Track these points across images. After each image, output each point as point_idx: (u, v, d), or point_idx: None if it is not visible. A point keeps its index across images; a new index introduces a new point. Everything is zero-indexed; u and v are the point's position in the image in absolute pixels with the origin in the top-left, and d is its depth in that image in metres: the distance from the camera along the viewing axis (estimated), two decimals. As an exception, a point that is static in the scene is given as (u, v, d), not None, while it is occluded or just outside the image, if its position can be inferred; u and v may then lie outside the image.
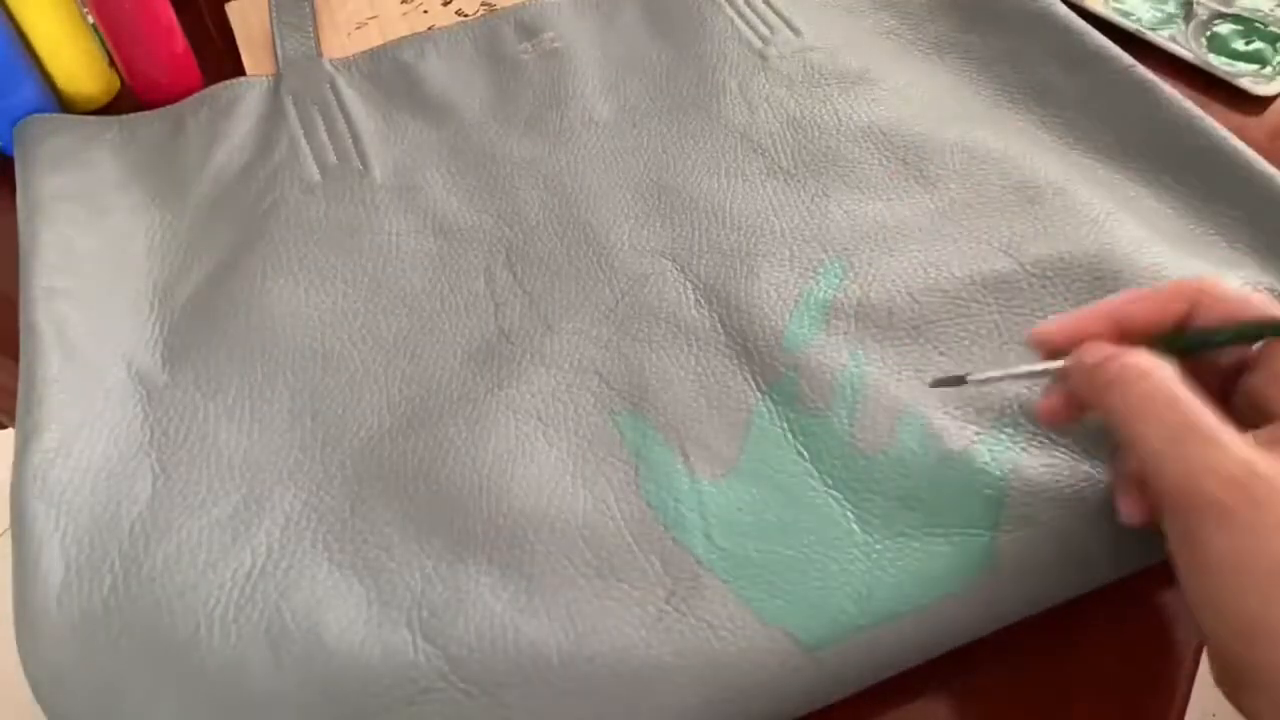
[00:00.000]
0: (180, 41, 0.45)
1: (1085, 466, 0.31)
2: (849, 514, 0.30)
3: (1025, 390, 0.33)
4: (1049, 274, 0.36)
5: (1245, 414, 0.27)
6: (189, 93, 0.44)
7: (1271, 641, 0.23)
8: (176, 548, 0.30)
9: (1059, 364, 0.29)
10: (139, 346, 0.36)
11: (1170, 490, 0.25)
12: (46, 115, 0.43)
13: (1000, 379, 0.31)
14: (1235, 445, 0.24)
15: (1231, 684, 0.24)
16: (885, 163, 0.40)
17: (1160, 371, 0.26)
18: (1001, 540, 0.30)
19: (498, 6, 0.49)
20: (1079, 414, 0.30)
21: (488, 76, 0.45)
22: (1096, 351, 0.28)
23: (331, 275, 0.38)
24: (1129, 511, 0.29)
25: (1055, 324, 0.29)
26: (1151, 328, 0.28)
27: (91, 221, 0.39)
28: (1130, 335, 0.28)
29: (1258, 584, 0.23)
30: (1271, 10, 0.49)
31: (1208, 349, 0.28)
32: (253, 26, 0.49)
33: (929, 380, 0.33)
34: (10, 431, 0.34)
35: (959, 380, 0.31)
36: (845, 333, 0.35)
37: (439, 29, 0.47)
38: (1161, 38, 0.48)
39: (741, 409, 0.33)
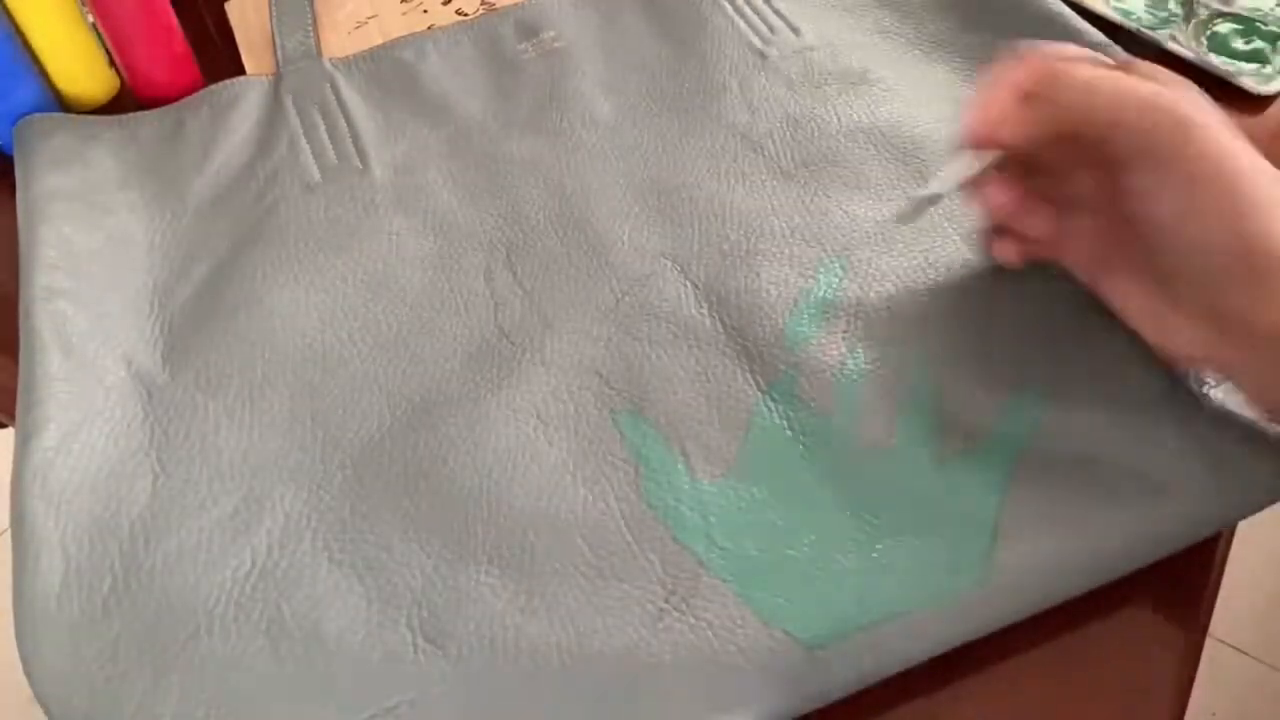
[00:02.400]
0: (180, 41, 0.45)
1: (1084, 467, 0.31)
2: (849, 513, 0.30)
3: (1023, 389, 0.33)
4: (1049, 273, 0.36)
5: None
6: (189, 92, 0.44)
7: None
8: (176, 547, 0.30)
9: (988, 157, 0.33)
10: (139, 345, 0.36)
11: (1137, 126, 0.29)
12: (46, 115, 0.43)
13: (949, 181, 0.34)
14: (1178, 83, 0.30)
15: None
16: (885, 162, 0.40)
17: (1088, 66, 0.31)
18: (1001, 540, 0.30)
19: (498, 6, 0.49)
20: (1020, 191, 0.33)
21: (488, 76, 0.45)
22: (1017, 108, 0.31)
23: (331, 275, 0.38)
24: (1004, 253, 0.34)
25: (976, 117, 0.32)
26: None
27: (91, 221, 0.39)
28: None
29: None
30: (1272, 9, 0.49)
31: None
32: (253, 26, 0.49)
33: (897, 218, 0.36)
34: (10, 431, 0.34)
35: (925, 203, 0.35)
36: (845, 332, 0.35)
37: (439, 28, 0.47)
38: (1161, 37, 0.48)
39: (741, 408, 0.33)
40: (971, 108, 0.32)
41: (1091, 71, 0.30)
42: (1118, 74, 0.30)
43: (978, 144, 0.32)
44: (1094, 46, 0.44)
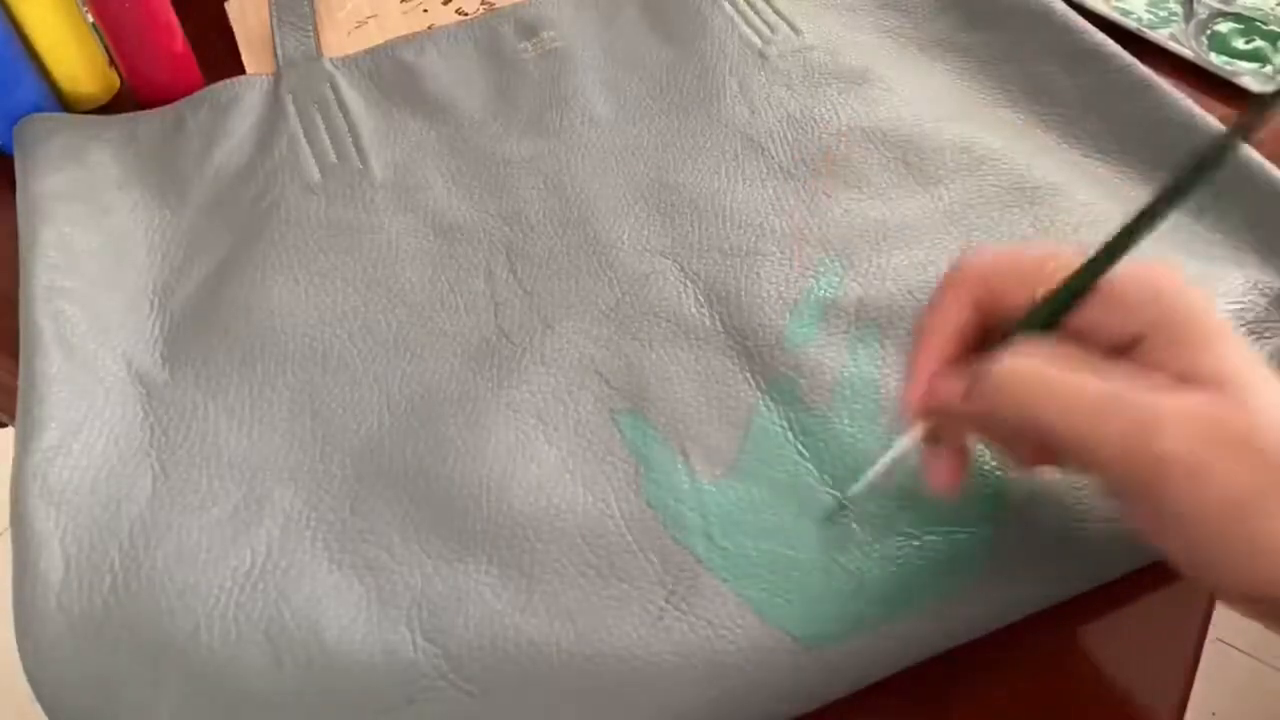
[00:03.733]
0: (180, 41, 0.45)
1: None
2: (849, 513, 0.30)
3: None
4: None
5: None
6: (189, 92, 0.44)
7: (1268, 562, 0.23)
8: (176, 547, 0.30)
9: (918, 430, 0.28)
10: (139, 345, 0.36)
11: (1116, 465, 0.24)
12: (46, 115, 0.43)
13: (882, 474, 0.29)
14: (1163, 395, 0.23)
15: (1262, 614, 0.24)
16: (885, 162, 0.40)
17: (1033, 359, 0.25)
18: (1001, 539, 0.30)
19: (498, 5, 0.49)
20: (966, 463, 0.28)
21: (488, 75, 0.45)
22: (954, 385, 0.26)
23: (331, 274, 0.38)
24: (940, 480, 0.28)
25: (909, 388, 0.28)
26: (969, 336, 0.27)
27: (92, 220, 0.39)
28: (960, 349, 0.27)
29: (1234, 515, 0.23)
30: (1272, 9, 0.49)
31: (1050, 323, 0.26)
32: (252, 26, 0.49)
33: (824, 518, 0.30)
34: (10, 430, 0.34)
35: (842, 507, 0.30)
36: (845, 332, 0.35)
37: (439, 28, 0.47)
38: (1162, 36, 0.48)
39: (742, 408, 0.33)
40: (905, 379, 0.28)
41: (1032, 366, 0.25)
42: (1068, 367, 0.24)
43: (917, 417, 0.28)
44: (1094, 46, 0.44)
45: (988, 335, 0.27)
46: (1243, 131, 0.23)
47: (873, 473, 0.29)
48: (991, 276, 0.27)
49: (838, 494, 0.31)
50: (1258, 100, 0.23)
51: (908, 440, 0.28)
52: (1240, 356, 0.24)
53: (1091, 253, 0.25)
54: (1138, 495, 0.24)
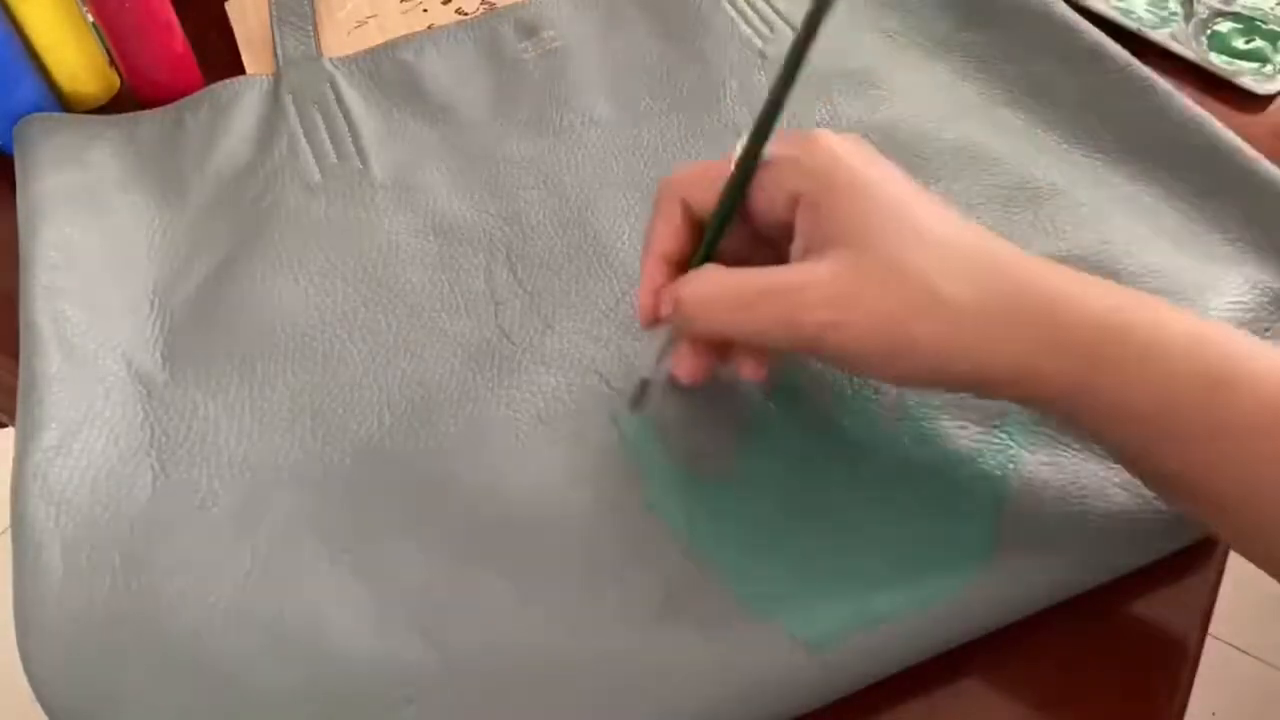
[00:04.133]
0: (180, 40, 0.45)
1: (1085, 464, 0.31)
2: (849, 513, 0.30)
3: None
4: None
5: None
6: (189, 92, 0.44)
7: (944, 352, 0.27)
8: (176, 547, 0.30)
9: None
10: (139, 345, 0.36)
11: (790, 348, 0.29)
12: (47, 114, 0.43)
13: (657, 370, 0.32)
14: (796, 276, 0.28)
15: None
16: (885, 162, 0.40)
17: (705, 277, 0.29)
18: (1002, 539, 0.30)
19: (498, 5, 0.49)
20: (713, 354, 0.32)
21: (488, 75, 0.45)
22: (664, 304, 0.30)
23: (332, 274, 0.38)
24: (680, 370, 0.32)
25: (639, 294, 0.31)
26: (685, 241, 0.31)
27: (92, 220, 0.39)
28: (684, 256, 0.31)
29: (900, 335, 0.27)
30: (1272, 9, 0.49)
31: (724, 228, 0.30)
32: (252, 25, 0.49)
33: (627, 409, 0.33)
34: (10, 430, 0.34)
35: (641, 391, 0.33)
36: (845, 332, 0.35)
37: (439, 28, 0.47)
38: (1162, 36, 0.48)
39: (742, 409, 0.33)
40: (641, 293, 0.31)
41: (703, 285, 0.29)
42: (733, 276, 0.29)
43: (652, 325, 0.31)
44: (1094, 46, 0.44)
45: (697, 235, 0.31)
46: None
47: (654, 361, 0.32)
48: (689, 185, 0.31)
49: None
50: None
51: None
52: (879, 210, 0.28)
53: (749, 131, 0.29)
54: (829, 364, 0.30)
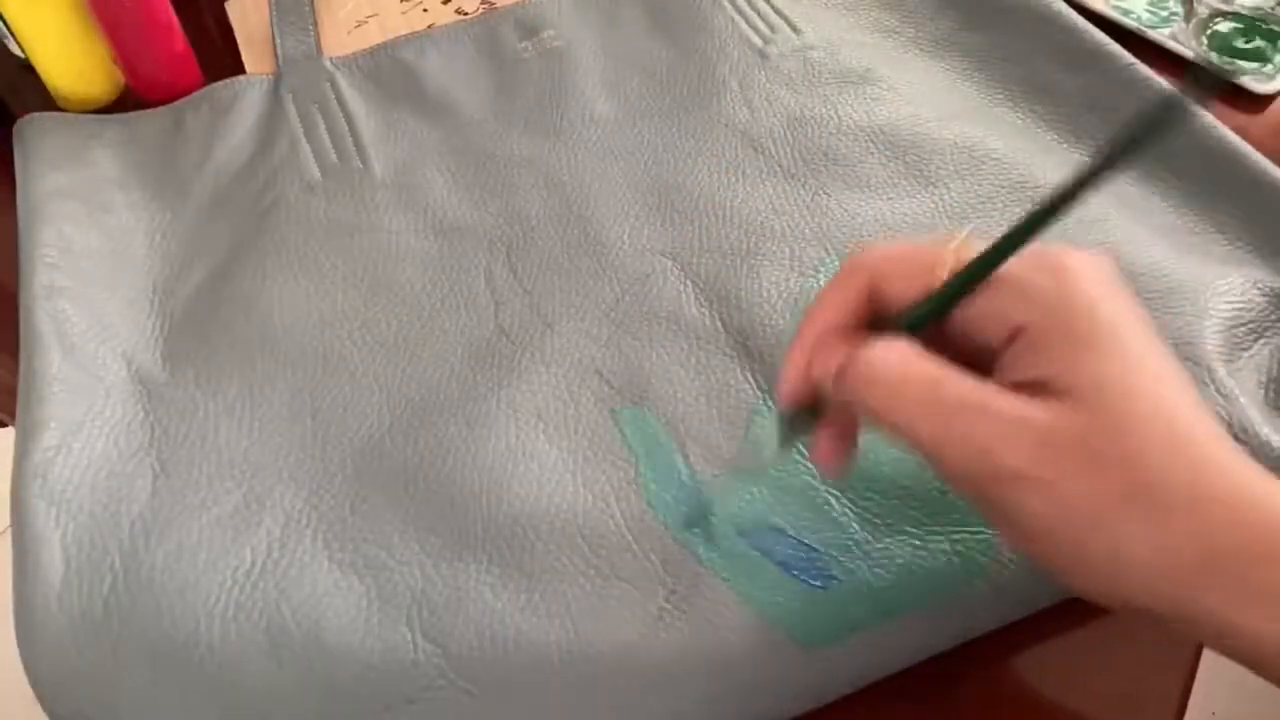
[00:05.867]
0: (180, 40, 0.45)
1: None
2: (849, 513, 0.30)
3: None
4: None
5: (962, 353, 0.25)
6: (189, 91, 0.44)
7: (1130, 574, 0.22)
8: (176, 546, 0.30)
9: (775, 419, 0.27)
10: (139, 345, 0.36)
11: (962, 472, 0.24)
12: (46, 114, 0.43)
13: (740, 470, 0.29)
14: (1009, 407, 0.23)
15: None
16: (885, 161, 0.40)
17: (894, 354, 0.24)
18: (1001, 539, 0.30)
19: (498, 5, 0.49)
20: (850, 445, 0.28)
21: (488, 75, 0.45)
22: (825, 365, 0.26)
23: (332, 274, 0.38)
24: (820, 457, 0.28)
25: (787, 378, 0.27)
26: (855, 320, 0.27)
27: (92, 220, 0.39)
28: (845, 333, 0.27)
29: (1087, 527, 0.22)
30: (1272, 9, 0.49)
31: (933, 319, 0.25)
32: (253, 25, 0.49)
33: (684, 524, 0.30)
34: (10, 430, 0.34)
35: (704, 517, 0.30)
36: (845, 332, 0.35)
37: (439, 27, 0.47)
38: (1162, 36, 0.48)
39: (742, 408, 0.33)
40: (786, 371, 0.27)
41: (890, 363, 0.24)
42: (928, 369, 0.24)
43: (795, 393, 0.27)
44: (1094, 46, 0.44)
45: (876, 327, 0.26)
46: (1154, 120, 0.22)
47: (731, 470, 0.29)
48: (887, 271, 0.26)
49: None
50: (1189, 83, 0.22)
51: (756, 432, 0.28)
52: (1122, 361, 0.23)
53: (982, 250, 0.24)
54: (988, 505, 0.24)
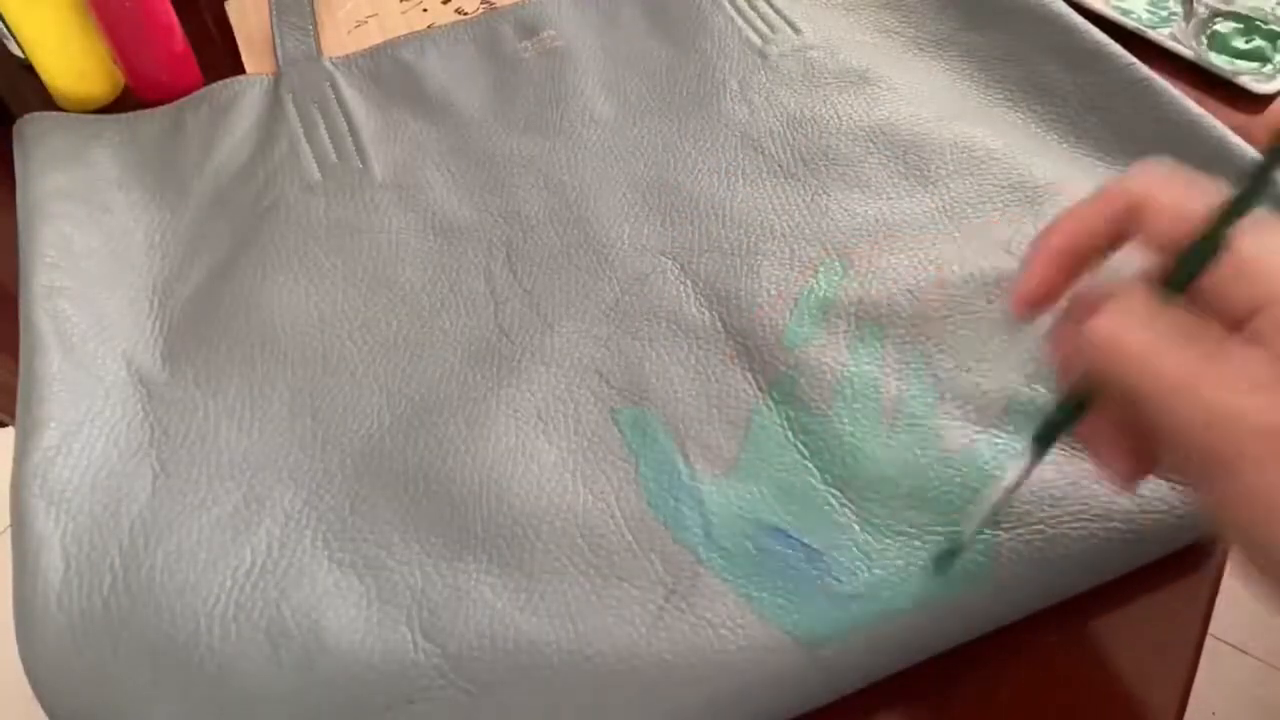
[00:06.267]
0: (180, 40, 0.45)
1: (1085, 465, 0.31)
2: (849, 512, 0.30)
3: (1025, 389, 0.33)
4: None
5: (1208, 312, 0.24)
6: (189, 91, 0.44)
7: None
8: (176, 546, 0.30)
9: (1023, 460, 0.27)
10: (139, 344, 0.36)
11: (1196, 445, 0.22)
12: (46, 114, 0.43)
13: (997, 505, 0.28)
14: (1252, 378, 0.21)
15: None
16: (885, 161, 0.40)
17: (1132, 318, 0.23)
18: (1001, 538, 0.30)
19: (498, 4, 0.49)
20: (1133, 441, 0.26)
21: (488, 75, 0.45)
22: (1064, 338, 0.25)
23: (332, 274, 0.38)
24: (1115, 473, 0.26)
25: (1025, 286, 0.26)
26: (1102, 245, 0.26)
27: (91, 219, 0.39)
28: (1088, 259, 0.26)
29: None
30: (1272, 9, 0.49)
31: (1194, 276, 0.23)
32: (252, 25, 0.49)
33: (929, 563, 0.29)
34: (10, 430, 0.34)
35: (953, 551, 0.29)
36: (845, 331, 0.35)
37: (439, 27, 0.47)
38: (1161, 36, 0.48)
39: (742, 407, 0.33)
40: (1021, 275, 0.26)
41: (1128, 327, 0.23)
42: (1168, 333, 0.23)
43: (1022, 316, 0.26)
44: (1094, 46, 0.44)
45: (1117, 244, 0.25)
46: None
47: (987, 504, 0.28)
48: (1155, 198, 0.24)
49: (959, 530, 0.29)
50: None
51: (1014, 471, 0.27)
52: None
53: (1216, 212, 0.23)
54: (1220, 476, 0.22)
